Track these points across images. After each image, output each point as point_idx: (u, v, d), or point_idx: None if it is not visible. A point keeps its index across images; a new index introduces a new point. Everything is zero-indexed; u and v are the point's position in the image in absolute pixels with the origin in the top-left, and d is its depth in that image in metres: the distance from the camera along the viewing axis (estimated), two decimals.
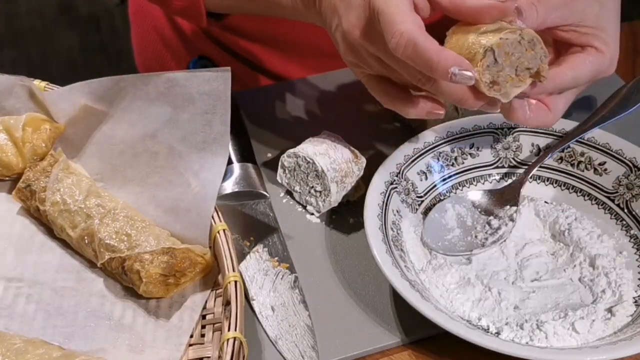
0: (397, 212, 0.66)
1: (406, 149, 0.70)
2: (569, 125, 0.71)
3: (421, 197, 0.69)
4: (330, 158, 0.69)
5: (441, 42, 0.57)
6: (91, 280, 0.64)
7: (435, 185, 0.71)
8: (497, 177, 0.72)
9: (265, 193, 0.72)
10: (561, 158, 0.71)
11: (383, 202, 0.65)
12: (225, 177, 0.69)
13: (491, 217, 0.68)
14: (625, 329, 0.59)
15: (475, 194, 0.69)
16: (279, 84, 0.87)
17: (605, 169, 0.69)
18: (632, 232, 0.67)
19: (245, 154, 0.74)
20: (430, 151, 0.71)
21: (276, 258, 0.67)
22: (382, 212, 0.65)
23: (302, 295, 0.64)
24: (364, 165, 0.71)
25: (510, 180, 0.72)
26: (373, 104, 0.83)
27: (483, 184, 0.72)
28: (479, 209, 0.69)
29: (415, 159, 0.70)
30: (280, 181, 0.72)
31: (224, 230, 0.63)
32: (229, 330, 0.56)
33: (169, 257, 0.61)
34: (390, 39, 0.54)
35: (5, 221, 0.69)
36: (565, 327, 0.59)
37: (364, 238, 0.62)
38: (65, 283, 0.64)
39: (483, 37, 0.56)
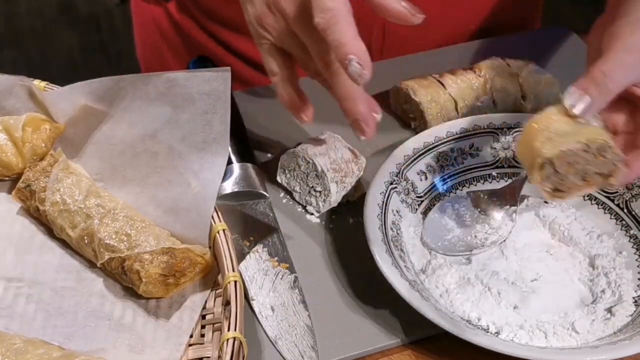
0: (397, 212, 0.66)
1: (406, 149, 0.70)
2: None
3: (421, 197, 0.69)
4: (330, 158, 0.69)
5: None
6: (91, 280, 0.64)
7: (435, 185, 0.71)
8: (497, 177, 0.73)
9: (265, 193, 0.72)
10: None
11: (383, 202, 0.65)
12: (225, 177, 0.69)
13: (491, 217, 0.68)
14: (624, 329, 0.59)
15: (475, 194, 0.69)
16: None
17: None
18: (631, 232, 0.67)
19: (245, 154, 0.74)
20: (430, 151, 0.71)
21: (276, 258, 0.67)
22: (381, 212, 0.65)
23: (302, 295, 0.64)
24: (364, 165, 0.71)
25: (510, 180, 0.72)
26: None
27: (483, 184, 0.72)
28: (479, 209, 0.69)
29: (415, 159, 0.70)
30: (280, 181, 0.72)
31: (223, 230, 0.63)
32: (228, 330, 0.56)
33: (168, 257, 0.61)
34: (319, 13, 0.55)
35: (5, 221, 0.69)
36: (565, 327, 0.59)
37: (364, 238, 0.62)
38: (65, 283, 0.64)
39: (547, 144, 0.54)
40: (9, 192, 0.71)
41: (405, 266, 0.62)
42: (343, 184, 0.69)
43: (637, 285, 0.63)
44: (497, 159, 0.72)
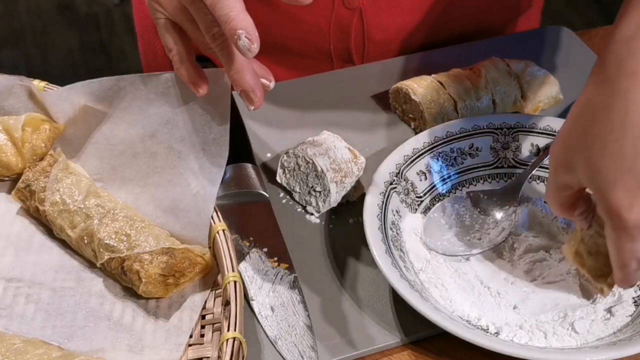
0: (397, 212, 0.66)
1: (406, 149, 0.70)
2: None
3: (421, 197, 0.69)
4: (329, 158, 0.69)
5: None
6: (90, 281, 0.64)
7: (434, 186, 0.71)
8: (497, 177, 0.72)
9: (264, 193, 0.72)
10: None
11: (382, 202, 0.65)
12: (224, 177, 0.69)
13: (490, 217, 0.68)
14: (624, 329, 0.59)
15: (475, 194, 0.69)
16: (278, 84, 0.87)
17: None
18: None
19: (245, 154, 0.74)
20: (430, 151, 0.71)
21: (276, 258, 0.67)
22: (381, 212, 0.65)
23: (302, 296, 0.64)
24: (364, 165, 0.71)
25: (510, 180, 0.72)
26: (373, 104, 0.83)
27: (483, 184, 0.72)
28: (479, 209, 0.69)
29: (415, 159, 0.70)
30: (280, 181, 0.72)
31: (223, 230, 0.63)
32: (228, 330, 0.56)
33: (168, 257, 0.61)
34: None
35: (4, 221, 0.69)
36: (565, 327, 0.59)
37: (364, 238, 0.62)
38: (64, 283, 0.64)
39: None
40: (9, 192, 0.71)
41: (405, 266, 0.62)
42: (343, 184, 0.69)
43: (637, 285, 0.63)
44: (497, 159, 0.72)
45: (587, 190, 0.56)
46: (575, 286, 0.63)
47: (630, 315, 0.60)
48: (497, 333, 0.60)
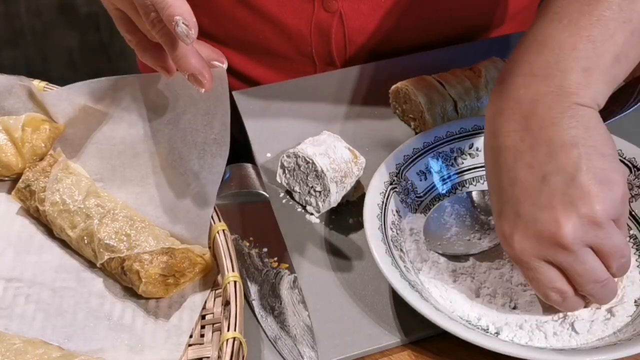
0: (397, 212, 0.66)
1: (406, 149, 0.70)
2: None
3: (421, 197, 0.69)
4: (329, 158, 0.69)
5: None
6: (90, 280, 0.64)
7: (434, 186, 0.71)
8: None
9: (264, 193, 0.72)
10: None
11: (382, 202, 0.65)
12: (224, 177, 0.69)
13: (491, 217, 0.68)
14: (625, 329, 0.59)
15: (475, 194, 0.69)
16: (278, 84, 0.87)
17: None
18: (631, 232, 0.67)
19: (245, 154, 0.74)
20: (430, 151, 0.71)
21: (276, 258, 0.67)
22: (381, 212, 0.65)
23: (302, 295, 0.64)
24: (364, 165, 0.71)
25: None
26: (373, 104, 0.83)
27: (482, 184, 0.72)
28: (479, 209, 0.69)
29: (415, 159, 0.70)
30: (279, 181, 0.72)
31: (223, 230, 0.63)
32: (228, 330, 0.56)
33: (168, 257, 0.61)
34: None
35: (4, 221, 0.69)
36: (565, 327, 0.59)
37: (364, 238, 0.62)
38: (64, 283, 0.64)
39: None
40: (9, 192, 0.71)
41: (405, 266, 0.62)
42: (343, 184, 0.69)
43: (638, 286, 0.63)
44: None
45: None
46: None
47: (631, 316, 0.60)
48: (497, 333, 0.59)
